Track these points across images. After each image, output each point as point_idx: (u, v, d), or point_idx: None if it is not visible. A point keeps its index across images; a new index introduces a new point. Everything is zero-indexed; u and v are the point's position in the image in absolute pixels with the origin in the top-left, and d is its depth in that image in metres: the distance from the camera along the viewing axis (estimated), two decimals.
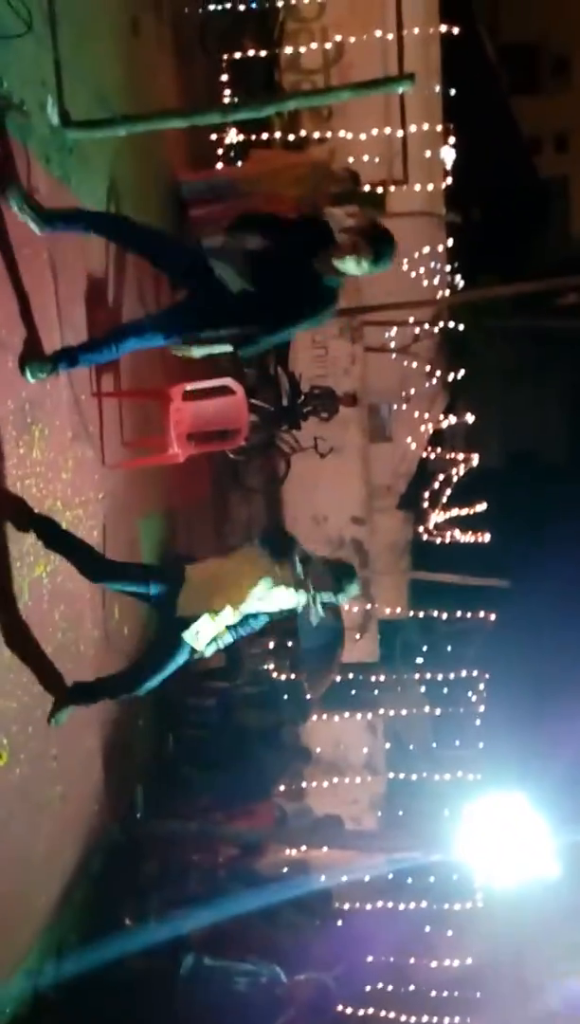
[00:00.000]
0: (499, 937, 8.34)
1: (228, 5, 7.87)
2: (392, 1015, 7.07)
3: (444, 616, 8.97)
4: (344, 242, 3.52)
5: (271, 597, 3.72)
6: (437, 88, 9.05)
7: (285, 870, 6.87)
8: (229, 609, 3.66)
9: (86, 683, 3.99)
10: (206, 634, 3.67)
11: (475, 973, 7.73)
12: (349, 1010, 6.54)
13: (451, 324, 9.36)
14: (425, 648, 9.92)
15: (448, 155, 9.18)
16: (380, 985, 7.11)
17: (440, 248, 9.45)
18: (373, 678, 9.02)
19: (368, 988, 6.87)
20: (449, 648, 10.05)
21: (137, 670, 4.05)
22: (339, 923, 5.89)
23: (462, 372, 9.76)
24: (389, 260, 3.53)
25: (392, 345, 9.57)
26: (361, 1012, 6.83)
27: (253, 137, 7.73)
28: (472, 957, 7.77)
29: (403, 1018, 7.14)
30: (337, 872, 6.13)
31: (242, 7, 7.97)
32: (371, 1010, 6.93)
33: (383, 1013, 7.01)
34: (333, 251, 3.53)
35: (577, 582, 11.91)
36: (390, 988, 7.17)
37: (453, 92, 9.10)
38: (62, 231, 3.70)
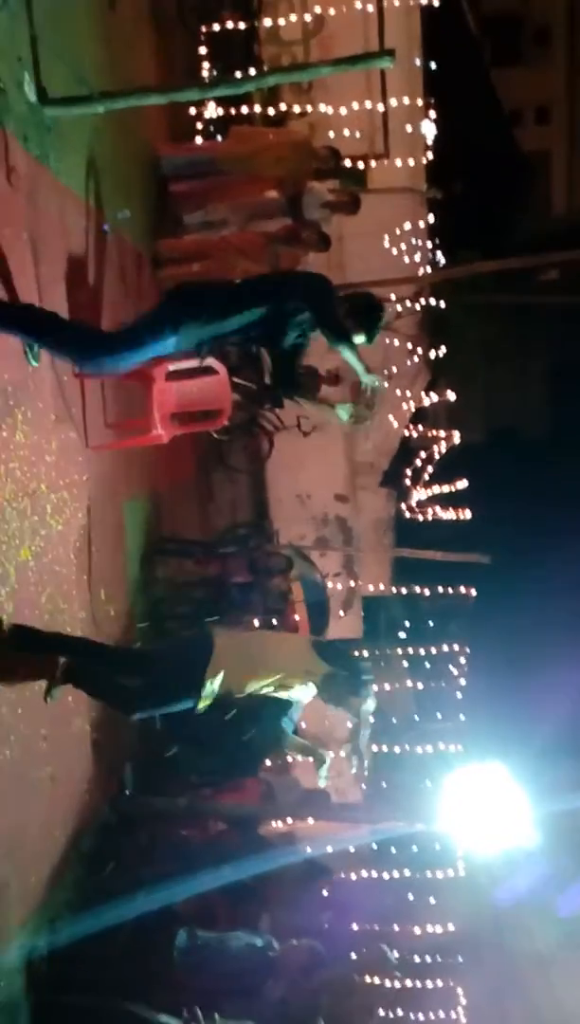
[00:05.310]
0: (480, 904, 8.56)
1: None
2: (376, 980, 7.26)
3: (427, 592, 9.05)
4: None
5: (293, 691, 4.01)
6: (418, 61, 8.93)
7: (273, 842, 7.00)
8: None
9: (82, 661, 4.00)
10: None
11: (457, 939, 7.94)
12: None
13: (432, 301, 9.34)
14: (408, 624, 10.02)
15: (429, 129, 9.09)
16: (365, 951, 7.28)
17: (421, 224, 9.39)
18: (357, 653, 9.10)
19: (353, 955, 7.03)
20: (431, 623, 10.17)
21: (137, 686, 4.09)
22: (325, 892, 6.03)
23: (443, 349, 9.76)
24: (379, 330, 3.82)
25: None
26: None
27: (233, 111, 7.61)
28: (454, 924, 7.97)
29: (387, 983, 7.33)
30: (323, 843, 6.26)
31: None
32: (356, 976, 7.11)
33: (367, 978, 7.19)
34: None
35: (556, 557, 12.09)
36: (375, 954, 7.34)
37: (434, 65, 9.00)
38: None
